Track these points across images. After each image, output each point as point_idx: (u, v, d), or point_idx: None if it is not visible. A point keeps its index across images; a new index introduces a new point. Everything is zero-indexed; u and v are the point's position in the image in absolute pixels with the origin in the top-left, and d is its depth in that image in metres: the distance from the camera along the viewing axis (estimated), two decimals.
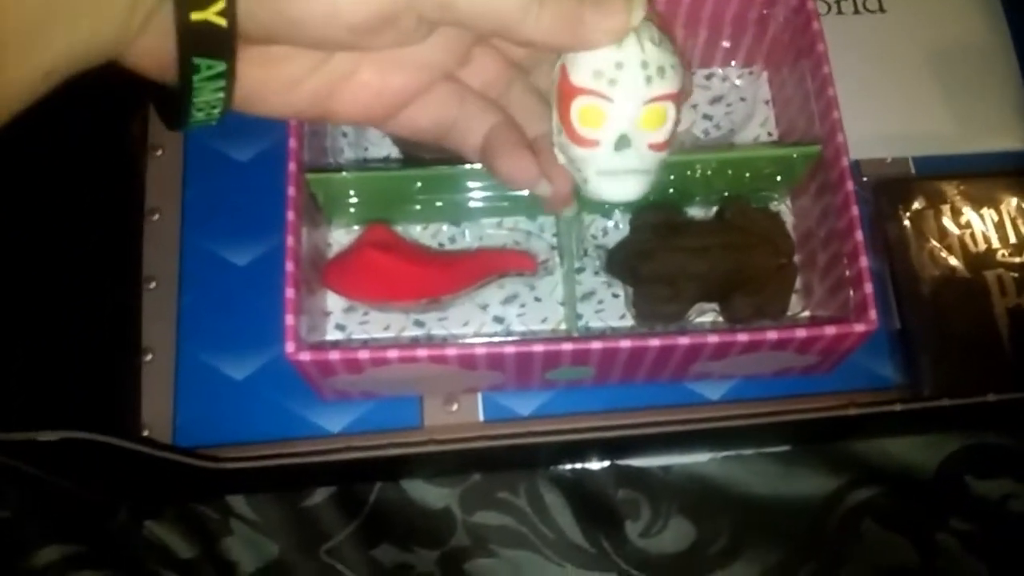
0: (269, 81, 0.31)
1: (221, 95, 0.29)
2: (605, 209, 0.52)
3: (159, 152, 0.55)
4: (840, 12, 0.59)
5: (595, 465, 0.51)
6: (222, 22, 0.27)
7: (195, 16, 0.27)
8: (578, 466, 0.51)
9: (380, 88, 0.33)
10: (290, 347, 0.42)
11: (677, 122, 0.35)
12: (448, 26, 0.32)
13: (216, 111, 0.30)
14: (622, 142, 0.34)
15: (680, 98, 0.35)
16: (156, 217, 0.54)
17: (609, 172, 0.35)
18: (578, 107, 0.34)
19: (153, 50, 0.28)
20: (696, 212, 0.51)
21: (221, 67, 0.28)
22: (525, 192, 0.48)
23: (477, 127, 0.36)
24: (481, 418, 0.50)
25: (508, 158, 0.36)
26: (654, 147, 0.35)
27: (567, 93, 0.34)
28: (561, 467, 0.51)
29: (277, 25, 0.29)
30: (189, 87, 0.28)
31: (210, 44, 0.28)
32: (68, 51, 0.26)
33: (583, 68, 0.34)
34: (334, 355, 0.42)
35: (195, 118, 0.30)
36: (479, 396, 0.50)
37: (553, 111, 0.36)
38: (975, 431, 0.51)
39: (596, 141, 0.35)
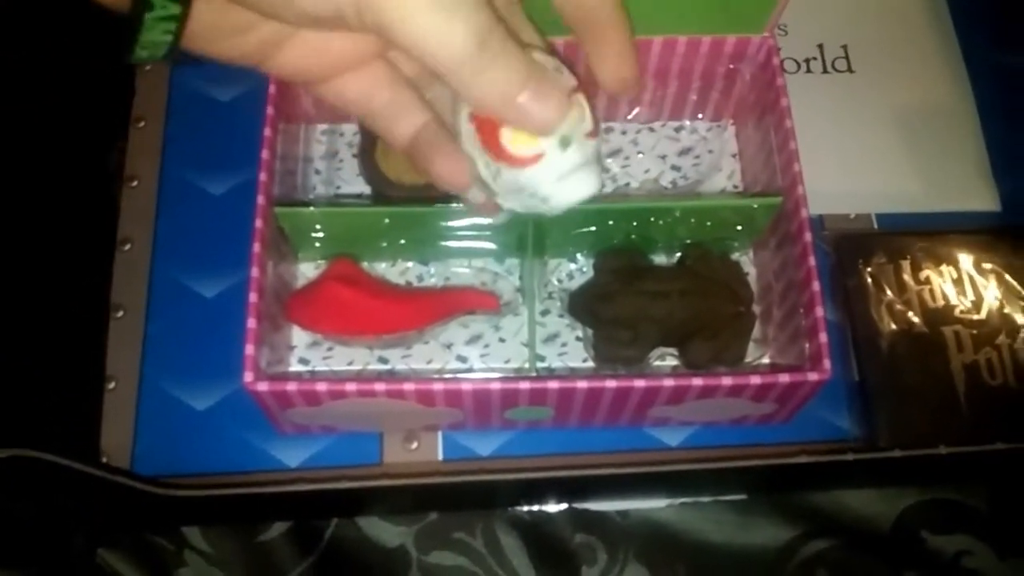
0: (221, 24, 0.32)
1: (169, 37, 0.30)
2: (570, 253, 0.52)
3: (134, 183, 0.56)
4: (809, 71, 0.60)
5: (553, 508, 0.51)
6: None
7: None
8: (536, 508, 0.51)
9: (322, 47, 0.34)
10: (248, 377, 0.42)
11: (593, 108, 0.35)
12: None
13: (160, 51, 0.31)
14: (564, 141, 0.34)
15: (579, 90, 0.35)
16: (128, 247, 0.54)
17: (566, 174, 0.34)
18: (508, 131, 0.34)
19: None
20: (659, 258, 0.52)
21: (176, 9, 0.29)
22: (489, 232, 0.49)
23: (406, 120, 0.37)
24: (440, 457, 0.50)
25: (444, 161, 0.36)
26: (589, 136, 0.35)
27: (489, 124, 0.34)
28: (519, 509, 0.51)
29: None
30: (139, 24, 0.29)
31: None
32: None
33: None
34: (291, 386, 0.42)
35: (138, 55, 0.30)
36: (439, 435, 0.50)
37: (474, 150, 0.35)
38: (932, 486, 0.51)
39: (541, 152, 0.34)
